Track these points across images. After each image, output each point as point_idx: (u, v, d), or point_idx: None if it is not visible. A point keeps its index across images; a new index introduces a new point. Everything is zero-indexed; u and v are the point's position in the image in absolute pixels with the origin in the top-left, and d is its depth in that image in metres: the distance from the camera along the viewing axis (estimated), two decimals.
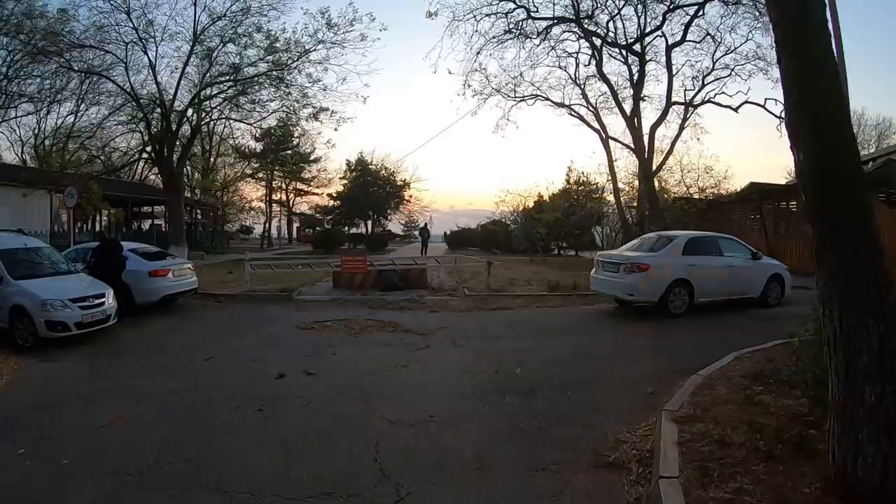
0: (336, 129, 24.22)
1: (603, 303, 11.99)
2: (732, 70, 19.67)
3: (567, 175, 28.57)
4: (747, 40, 19.31)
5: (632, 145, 20.16)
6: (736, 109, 19.43)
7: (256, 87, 17.93)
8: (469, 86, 21.18)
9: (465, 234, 39.66)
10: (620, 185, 22.75)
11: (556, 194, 28.10)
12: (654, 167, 20.58)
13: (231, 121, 21.54)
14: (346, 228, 45.02)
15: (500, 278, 16.13)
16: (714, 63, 19.81)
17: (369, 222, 46.26)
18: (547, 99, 22.39)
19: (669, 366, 6.72)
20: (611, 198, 24.59)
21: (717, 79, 19.97)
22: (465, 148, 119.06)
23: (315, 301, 12.75)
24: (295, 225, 52.84)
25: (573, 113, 22.48)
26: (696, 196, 21.03)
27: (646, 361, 7.15)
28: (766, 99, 19.04)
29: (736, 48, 19.41)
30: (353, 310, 11.37)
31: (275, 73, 17.53)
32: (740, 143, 75.85)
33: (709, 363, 6.48)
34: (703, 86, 20.16)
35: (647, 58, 20.02)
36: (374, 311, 11.31)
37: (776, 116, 18.65)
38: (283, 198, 49.10)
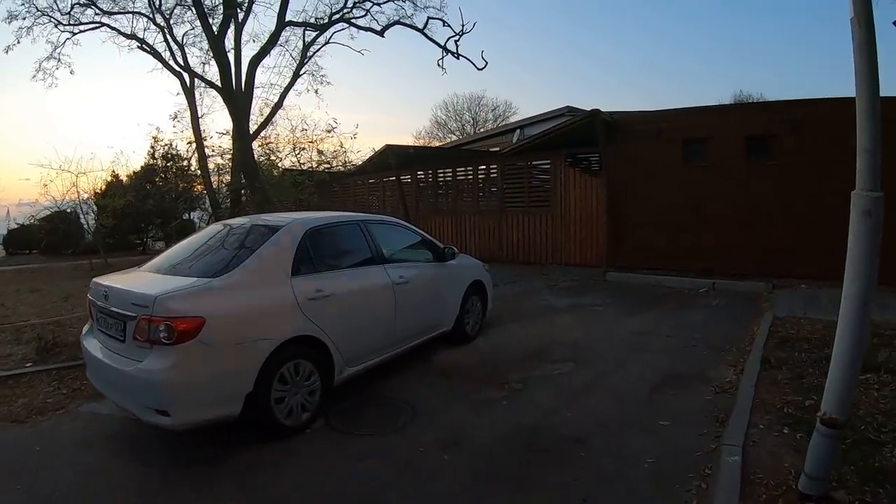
0: None
1: None
2: (368, 11, 15.31)
3: (152, 147, 20.68)
4: None
5: (219, 83, 13.44)
6: (381, 33, 15.17)
7: None
8: None
9: (28, 234, 27.80)
10: (211, 155, 15.97)
11: (138, 172, 21.11)
12: (253, 121, 14.51)
13: None
14: None
15: None
16: None
17: None
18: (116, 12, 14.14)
19: None
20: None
21: (346, 19, 15.36)
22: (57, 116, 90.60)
23: None
24: None
25: (147, 47, 15.28)
26: (313, 166, 15.59)
27: None
28: (428, 18, 14.96)
29: None
30: None
31: None
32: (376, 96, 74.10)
33: None
34: (332, 23, 15.35)
35: None
36: None
37: (440, 47, 15.49)
38: None
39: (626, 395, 4.30)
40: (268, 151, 15.32)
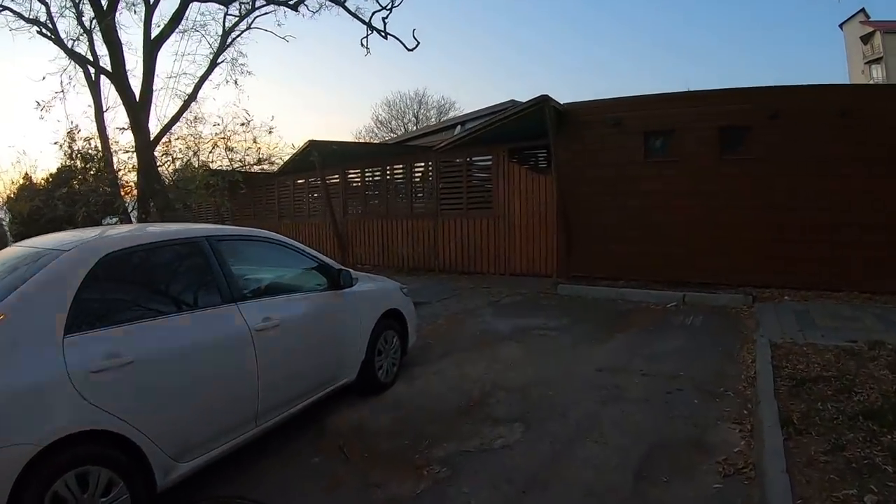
0: None
1: None
2: None
3: (69, 145, 18.56)
4: None
5: (109, 67, 11.84)
6: (295, 7, 13.63)
7: None
8: None
9: None
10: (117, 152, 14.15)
11: (54, 175, 18.89)
12: (154, 114, 12.97)
13: None
14: None
15: None
16: None
17: None
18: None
19: None
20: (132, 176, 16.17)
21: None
22: None
23: None
24: None
25: (48, 32, 13.11)
26: (233, 166, 13.92)
27: None
28: None
29: None
30: None
31: None
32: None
33: None
34: (254, 8, 13.78)
35: None
36: None
37: (364, 23, 13.96)
38: None
39: (601, 486, 2.95)
40: (177, 150, 13.50)
